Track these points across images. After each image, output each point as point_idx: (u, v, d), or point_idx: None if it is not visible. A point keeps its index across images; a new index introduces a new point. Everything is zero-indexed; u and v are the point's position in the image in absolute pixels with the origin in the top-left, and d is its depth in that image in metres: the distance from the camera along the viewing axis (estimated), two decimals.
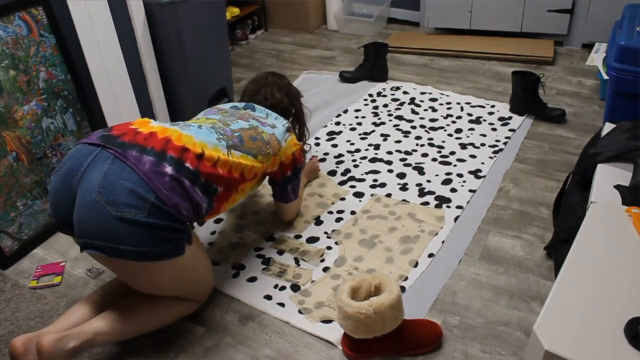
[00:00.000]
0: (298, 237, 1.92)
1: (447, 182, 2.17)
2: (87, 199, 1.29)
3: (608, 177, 1.58)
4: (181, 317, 1.56)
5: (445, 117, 2.65)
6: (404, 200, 2.08)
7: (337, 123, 2.67)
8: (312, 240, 1.90)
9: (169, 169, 1.36)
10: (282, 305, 1.65)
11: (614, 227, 1.27)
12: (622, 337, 0.98)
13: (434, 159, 2.33)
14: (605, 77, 2.51)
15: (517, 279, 1.70)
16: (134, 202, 1.28)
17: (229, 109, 1.80)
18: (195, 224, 2.00)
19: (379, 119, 2.69)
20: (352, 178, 2.24)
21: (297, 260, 1.82)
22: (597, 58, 2.80)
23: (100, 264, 1.84)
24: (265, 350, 1.52)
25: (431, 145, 2.43)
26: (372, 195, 2.12)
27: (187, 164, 1.40)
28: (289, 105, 1.97)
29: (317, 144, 2.51)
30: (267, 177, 1.81)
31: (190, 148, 1.43)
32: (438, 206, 2.03)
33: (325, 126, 2.65)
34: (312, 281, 1.72)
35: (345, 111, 2.78)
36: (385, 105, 2.81)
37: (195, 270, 1.51)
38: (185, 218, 1.39)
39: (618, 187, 1.50)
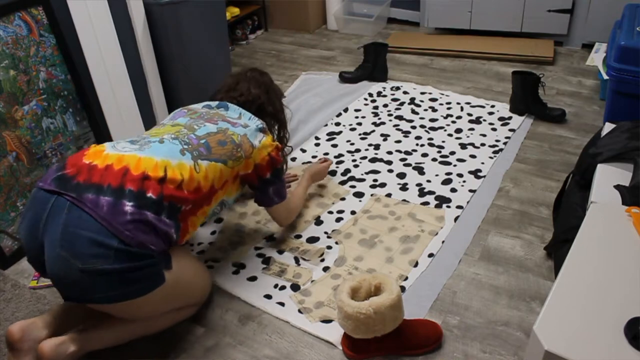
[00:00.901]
0: (298, 236, 1.92)
1: (447, 182, 2.17)
2: (53, 254, 1.26)
3: (608, 177, 1.58)
4: (181, 320, 1.56)
5: (445, 117, 2.65)
6: (404, 200, 2.08)
7: (337, 123, 2.67)
8: (312, 240, 1.90)
9: (129, 207, 1.29)
10: (282, 304, 1.65)
11: (614, 227, 1.27)
12: (622, 337, 0.98)
13: (434, 159, 2.33)
14: (605, 77, 2.51)
15: (517, 279, 1.70)
16: (97, 252, 1.24)
17: (201, 108, 1.71)
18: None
19: (379, 119, 2.69)
20: (352, 178, 2.24)
21: (297, 260, 1.82)
22: (597, 58, 2.80)
23: None
24: (265, 350, 1.52)
25: (431, 145, 2.43)
26: (372, 195, 2.12)
27: (149, 194, 1.33)
28: (267, 103, 1.84)
29: (317, 144, 2.51)
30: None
31: (150, 174, 1.35)
32: (438, 206, 2.03)
33: (326, 125, 2.65)
34: (312, 281, 1.72)
35: (346, 110, 2.78)
36: (385, 105, 2.81)
37: (185, 285, 1.48)
38: (155, 252, 1.32)
39: (618, 187, 1.50)
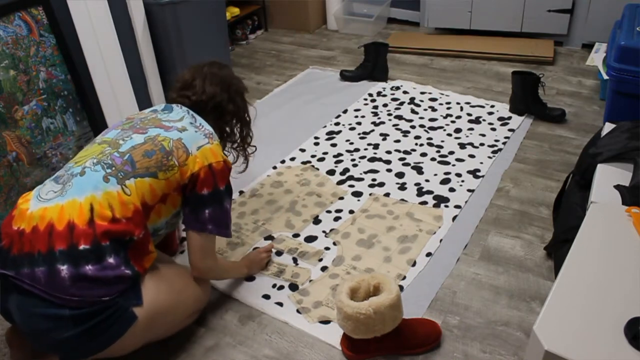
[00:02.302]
0: (296, 235, 1.92)
1: (445, 181, 2.17)
2: (22, 330, 1.28)
3: (608, 177, 1.58)
4: (183, 328, 1.54)
5: (445, 117, 2.65)
6: (402, 199, 2.08)
7: (337, 123, 2.67)
8: (311, 239, 1.90)
9: (64, 271, 1.22)
10: (280, 304, 1.65)
11: (614, 227, 1.27)
12: (622, 337, 0.98)
13: (433, 159, 2.33)
14: (605, 77, 2.51)
15: (517, 279, 1.70)
16: (54, 325, 1.22)
17: (146, 113, 1.57)
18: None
19: (379, 118, 2.69)
20: (351, 177, 2.24)
21: (295, 260, 1.82)
22: (597, 58, 2.80)
23: None
24: (265, 350, 1.51)
25: (430, 145, 2.43)
26: (370, 194, 2.12)
27: (82, 246, 1.24)
28: (226, 101, 1.63)
29: (317, 144, 2.51)
30: None
31: (76, 222, 1.26)
32: (436, 206, 2.03)
33: (325, 126, 2.65)
34: (310, 280, 1.72)
35: (345, 111, 2.78)
36: (385, 105, 2.81)
37: (167, 310, 1.39)
38: (112, 299, 1.26)
39: (618, 187, 1.50)
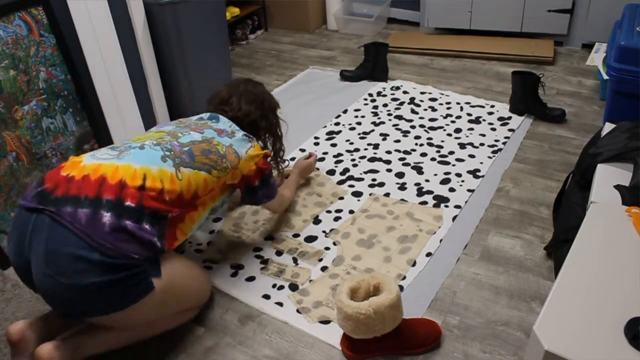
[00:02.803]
0: (296, 235, 1.92)
1: (445, 181, 2.17)
2: (39, 272, 1.26)
3: (608, 177, 1.57)
4: (181, 324, 1.55)
5: (445, 117, 2.65)
6: (402, 199, 2.08)
7: (337, 124, 2.67)
8: (311, 239, 1.90)
9: (107, 217, 1.27)
10: (280, 304, 1.65)
11: (614, 227, 1.27)
12: (622, 337, 0.98)
13: (433, 159, 2.33)
14: (605, 77, 2.51)
15: (517, 279, 1.70)
16: (80, 267, 1.23)
17: (194, 120, 1.70)
18: None
19: (379, 118, 2.69)
20: (351, 177, 2.24)
21: (295, 260, 1.82)
22: (597, 58, 2.80)
23: None
24: (265, 350, 1.51)
25: (430, 145, 2.43)
26: (370, 194, 2.12)
27: (127, 202, 1.31)
28: (259, 119, 1.81)
29: (317, 144, 2.51)
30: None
31: (128, 183, 1.33)
32: (436, 206, 2.03)
33: (325, 127, 2.65)
34: (310, 280, 1.72)
35: (345, 111, 2.78)
36: (385, 105, 2.81)
37: (178, 292, 1.44)
38: (138, 260, 1.30)
39: (618, 187, 1.50)
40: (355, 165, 2.32)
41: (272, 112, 1.88)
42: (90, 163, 1.37)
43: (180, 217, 1.44)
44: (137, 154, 1.41)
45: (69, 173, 1.35)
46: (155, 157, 1.42)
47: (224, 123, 1.69)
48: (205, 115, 1.73)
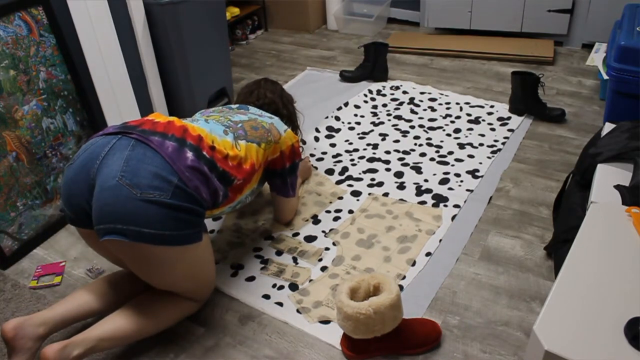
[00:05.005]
0: (296, 234, 1.92)
1: (444, 181, 2.17)
2: (108, 184, 1.30)
3: (608, 177, 1.58)
4: (182, 318, 1.56)
5: (444, 117, 2.65)
6: (401, 199, 2.08)
7: (337, 117, 2.68)
8: (310, 239, 1.90)
9: (189, 154, 1.40)
10: (280, 304, 1.65)
11: (614, 227, 1.27)
12: (622, 337, 0.98)
13: (432, 159, 2.33)
14: (605, 77, 2.51)
15: (517, 279, 1.70)
16: (158, 184, 1.30)
17: (224, 108, 1.82)
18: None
19: (378, 118, 2.69)
20: (350, 177, 2.24)
21: (295, 259, 1.82)
22: (597, 58, 2.80)
23: (101, 266, 1.85)
24: (265, 350, 1.52)
25: (429, 145, 2.43)
26: (369, 194, 2.12)
27: (204, 152, 1.44)
28: (282, 108, 2.01)
29: (317, 140, 2.51)
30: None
31: (204, 139, 1.47)
32: (435, 205, 2.03)
33: (327, 117, 2.66)
34: (310, 280, 1.72)
35: (346, 104, 2.78)
36: (385, 105, 2.81)
37: (203, 265, 1.50)
38: (205, 202, 1.41)
39: (618, 187, 1.50)
40: (354, 165, 2.32)
41: (290, 103, 2.08)
42: (171, 117, 1.51)
43: (241, 187, 1.56)
44: (205, 124, 1.56)
45: (154, 118, 1.49)
46: (219, 129, 1.57)
47: (255, 110, 1.83)
48: (234, 105, 1.87)
